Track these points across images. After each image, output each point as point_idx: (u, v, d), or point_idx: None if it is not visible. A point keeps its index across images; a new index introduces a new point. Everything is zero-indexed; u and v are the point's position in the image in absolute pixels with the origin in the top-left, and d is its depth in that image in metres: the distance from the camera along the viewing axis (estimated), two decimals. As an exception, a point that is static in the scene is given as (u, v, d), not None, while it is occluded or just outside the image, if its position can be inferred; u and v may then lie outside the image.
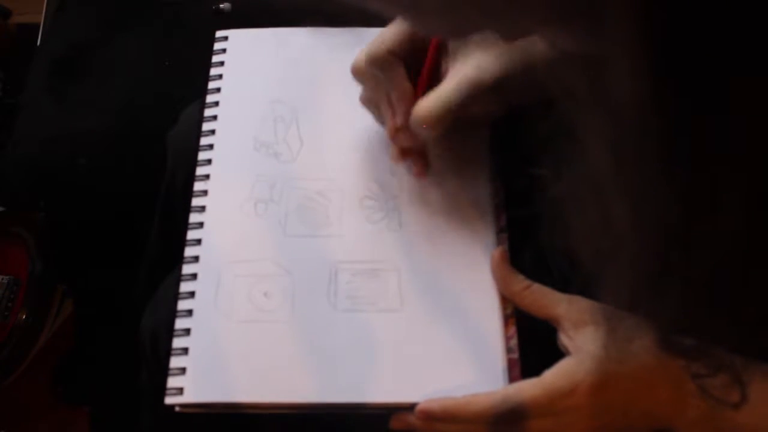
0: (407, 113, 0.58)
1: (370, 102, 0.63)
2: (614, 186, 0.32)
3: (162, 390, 0.56)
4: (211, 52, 0.72)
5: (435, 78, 0.59)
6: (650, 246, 0.33)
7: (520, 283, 0.58)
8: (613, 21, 0.26)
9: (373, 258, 0.61)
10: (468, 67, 0.57)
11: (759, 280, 0.33)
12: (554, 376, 0.52)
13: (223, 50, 0.71)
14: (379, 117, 0.63)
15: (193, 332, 0.58)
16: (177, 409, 0.56)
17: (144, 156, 0.92)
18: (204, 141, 0.67)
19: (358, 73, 0.61)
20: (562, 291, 0.56)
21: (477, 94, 0.57)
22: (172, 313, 0.59)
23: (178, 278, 0.61)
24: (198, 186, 0.65)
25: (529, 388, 0.52)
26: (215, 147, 0.66)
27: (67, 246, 1.12)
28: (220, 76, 0.70)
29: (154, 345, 0.70)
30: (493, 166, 0.64)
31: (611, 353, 0.51)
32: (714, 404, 0.47)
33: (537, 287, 0.57)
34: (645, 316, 0.40)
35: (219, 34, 0.73)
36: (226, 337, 0.58)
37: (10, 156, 1.05)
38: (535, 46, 0.54)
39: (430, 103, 0.57)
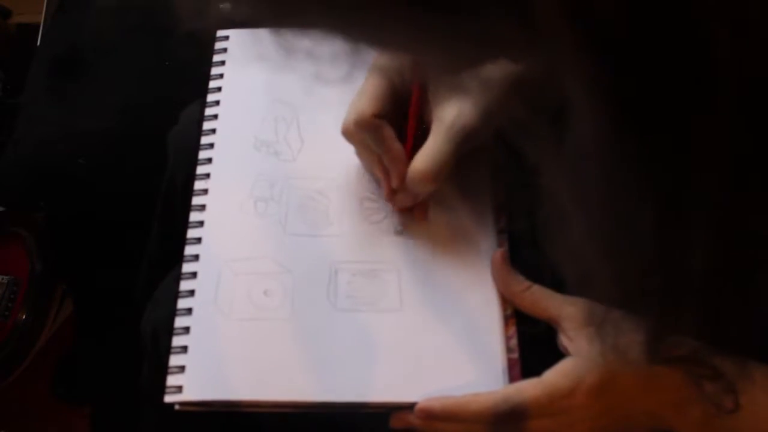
0: (402, 174, 0.58)
1: (363, 162, 0.64)
2: (583, 204, 0.33)
3: (162, 388, 0.56)
4: (211, 51, 0.72)
5: (420, 128, 0.59)
6: (628, 262, 0.33)
7: (520, 284, 0.58)
8: (566, 61, 0.26)
9: (373, 258, 0.61)
10: (451, 116, 0.56)
11: (734, 295, 0.33)
12: (555, 376, 0.52)
13: (224, 50, 0.71)
14: (374, 176, 0.63)
15: (192, 330, 0.58)
16: (176, 407, 0.56)
17: (144, 156, 0.92)
18: (204, 140, 0.67)
19: (348, 136, 0.60)
20: (561, 292, 0.56)
21: (465, 139, 0.56)
22: (172, 312, 0.59)
23: (178, 276, 0.60)
24: (198, 185, 0.65)
25: (530, 388, 0.52)
26: (216, 146, 0.66)
27: (67, 246, 1.11)
28: (220, 76, 0.70)
29: (154, 343, 0.70)
30: (493, 166, 0.64)
31: (612, 354, 0.51)
32: (711, 409, 0.47)
33: (537, 288, 0.57)
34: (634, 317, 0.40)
35: (219, 33, 0.73)
36: (226, 335, 0.58)
37: (10, 156, 1.05)
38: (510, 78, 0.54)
39: (423, 163, 0.57)
